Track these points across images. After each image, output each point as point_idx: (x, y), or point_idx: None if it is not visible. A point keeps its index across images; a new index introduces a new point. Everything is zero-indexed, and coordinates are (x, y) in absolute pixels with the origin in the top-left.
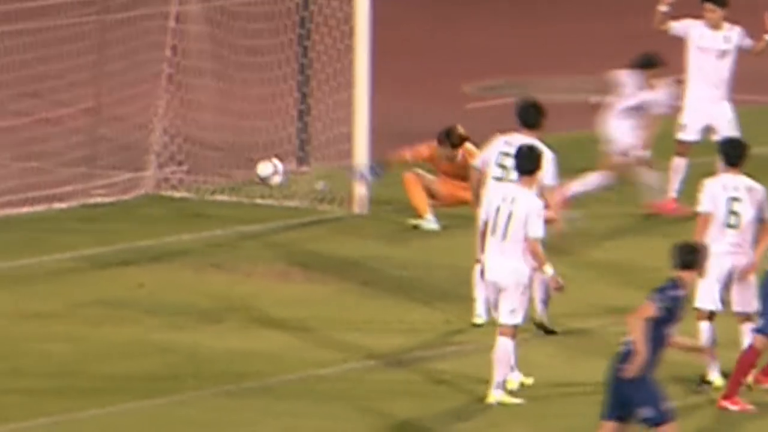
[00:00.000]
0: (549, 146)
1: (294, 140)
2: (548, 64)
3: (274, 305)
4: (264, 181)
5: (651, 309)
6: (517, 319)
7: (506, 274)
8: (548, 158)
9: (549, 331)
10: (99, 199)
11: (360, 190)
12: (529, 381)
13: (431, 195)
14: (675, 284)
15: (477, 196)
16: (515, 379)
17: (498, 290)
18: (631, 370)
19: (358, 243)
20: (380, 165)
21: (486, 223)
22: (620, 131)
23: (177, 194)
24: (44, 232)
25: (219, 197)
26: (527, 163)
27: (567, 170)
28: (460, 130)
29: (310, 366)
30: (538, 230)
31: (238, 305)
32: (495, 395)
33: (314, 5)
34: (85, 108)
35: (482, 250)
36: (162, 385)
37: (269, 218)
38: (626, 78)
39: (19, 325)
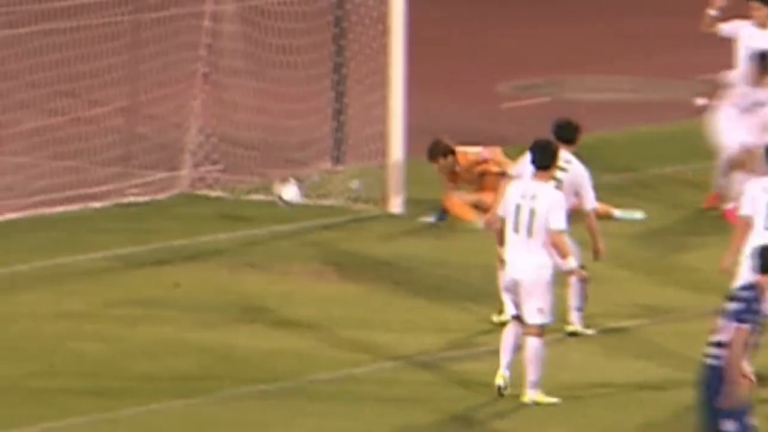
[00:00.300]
0: (578, 155)
1: (329, 139)
2: (583, 64)
3: (308, 305)
4: (284, 199)
5: (745, 333)
6: (546, 318)
7: (531, 271)
8: (585, 176)
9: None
10: (134, 199)
11: (394, 190)
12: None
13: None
14: (754, 293)
15: None
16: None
17: (521, 289)
18: (728, 401)
19: (392, 242)
20: (443, 212)
21: (503, 221)
22: (732, 132)
23: (212, 193)
24: (79, 232)
25: (254, 197)
26: (544, 157)
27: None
28: (445, 140)
29: (344, 365)
30: (560, 223)
31: (272, 305)
32: (530, 395)
33: (349, 4)
34: (121, 107)
35: (501, 244)
36: (196, 384)
37: (304, 218)
38: (737, 78)
39: (54, 324)
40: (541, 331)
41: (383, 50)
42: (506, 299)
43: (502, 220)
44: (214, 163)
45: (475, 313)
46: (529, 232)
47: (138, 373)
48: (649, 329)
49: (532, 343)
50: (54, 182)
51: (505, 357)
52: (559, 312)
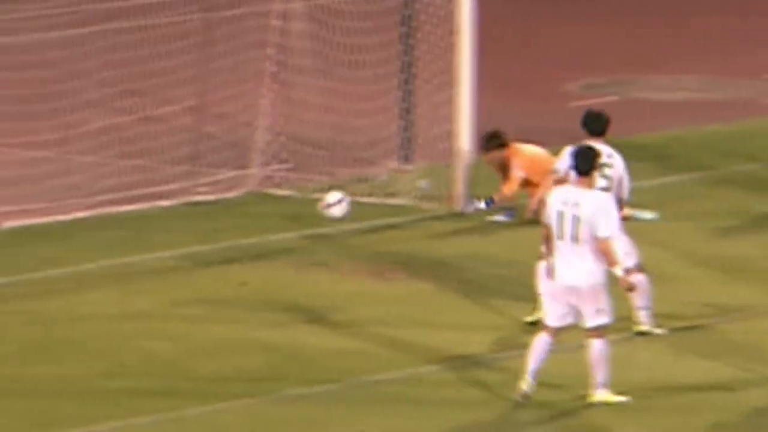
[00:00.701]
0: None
1: (396, 138)
2: (650, 63)
3: (374, 304)
4: (327, 208)
5: None
6: (605, 318)
7: (583, 277)
8: (625, 168)
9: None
10: (202, 197)
11: (462, 189)
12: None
13: None
14: None
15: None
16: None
17: (575, 295)
18: None
19: (459, 241)
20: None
21: (550, 228)
22: None
23: (280, 192)
24: (147, 230)
25: (322, 195)
26: (585, 163)
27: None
28: (501, 132)
29: (409, 365)
30: (607, 229)
31: (339, 304)
32: (598, 395)
33: (417, 3)
34: (189, 106)
35: (549, 254)
36: (263, 383)
37: (372, 216)
38: None
39: (123, 323)
40: (602, 332)
41: (451, 49)
42: (550, 306)
43: (548, 227)
44: (283, 161)
45: (539, 312)
46: (575, 238)
47: (205, 372)
48: (718, 328)
49: (596, 345)
50: (122, 181)
51: (532, 364)
52: (627, 310)
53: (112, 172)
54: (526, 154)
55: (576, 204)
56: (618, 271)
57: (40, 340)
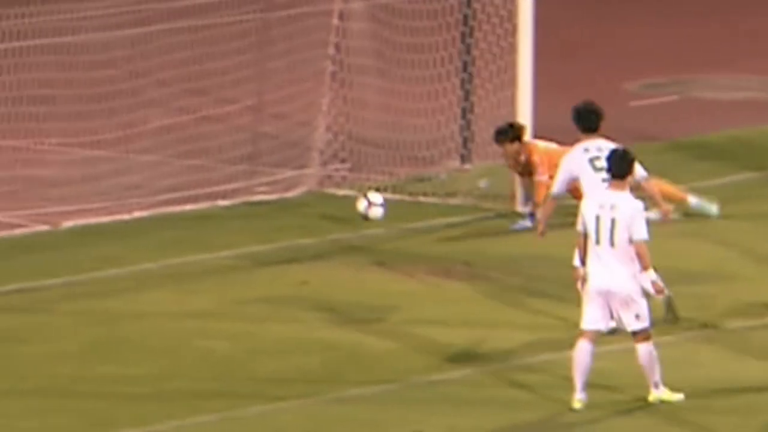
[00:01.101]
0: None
1: (457, 138)
2: (710, 62)
3: (435, 303)
4: (365, 214)
5: None
6: (645, 323)
7: (622, 281)
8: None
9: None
10: (262, 197)
11: (522, 188)
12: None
13: None
14: None
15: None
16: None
17: (614, 299)
18: None
19: (520, 240)
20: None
21: (585, 235)
22: None
23: (340, 192)
24: (206, 230)
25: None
26: (621, 167)
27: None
28: (518, 125)
29: (470, 364)
30: (643, 232)
31: (399, 303)
32: (655, 393)
33: (477, 3)
34: (248, 105)
35: (583, 262)
36: (323, 383)
37: (432, 216)
38: None
39: (182, 322)
40: (647, 334)
41: (511, 49)
42: (586, 310)
43: (581, 234)
44: (342, 161)
45: None
46: (612, 242)
47: (264, 371)
48: None
49: (644, 349)
50: (181, 180)
51: (580, 378)
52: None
53: (171, 172)
54: (542, 149)
55: (613, 207)
56: (651, 275)
57: (101, 339)
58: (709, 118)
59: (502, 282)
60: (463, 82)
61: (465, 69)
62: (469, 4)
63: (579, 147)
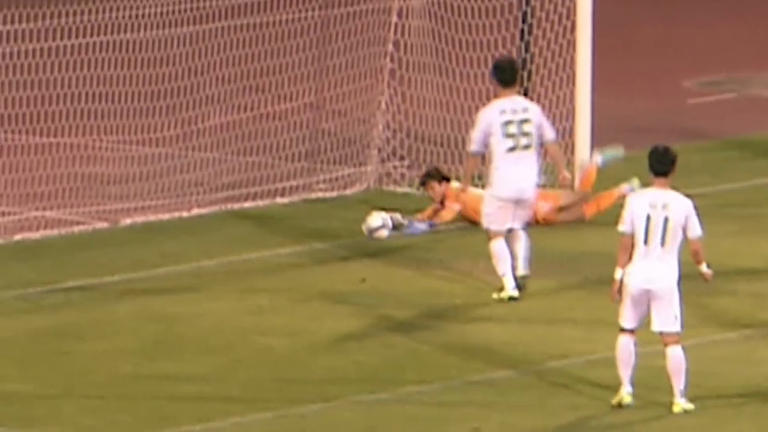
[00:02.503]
0: None
1: None
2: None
3: (493, 301)
4: (371, 233)
5: None
6: (679, 325)
7: (666, 280)
8: (538, 110)
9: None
10: (321, 194)
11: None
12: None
13: None
14: None
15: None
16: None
17: (656, 299)
18: None
19: (579, 238)
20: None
21: (629, 236)
22: None
23: (399, 189)
24: (266, 227)
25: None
26: (664, 163)
27: None
28: (442, 169)
29: (532, 361)
30: (699, 229)
31: (459, 301)
32: (682, 403)
33: (536, 0)
34: (308, 102)
35: (623, 264)
36: (383, 380)
37: None
38: None
39: (241, 320)
40: (679, 338)
41: (569, 46)
42: (627, 309)
43: (629, 236)
44: (401, 158)
45: None
46: (663, 242)
47: (325, 368)
48: None
49: (677, 352)
50: (240, 178)
51: (625, 372)
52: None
53: (230, 169)
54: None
55: (665, 206)
56: (704, 268)
57: (160, 336)
58: (766, 116)
59: (561, 279)
60: (521, 79)
61: (523, 66)
62: (527, 1)
63: (496, 105)
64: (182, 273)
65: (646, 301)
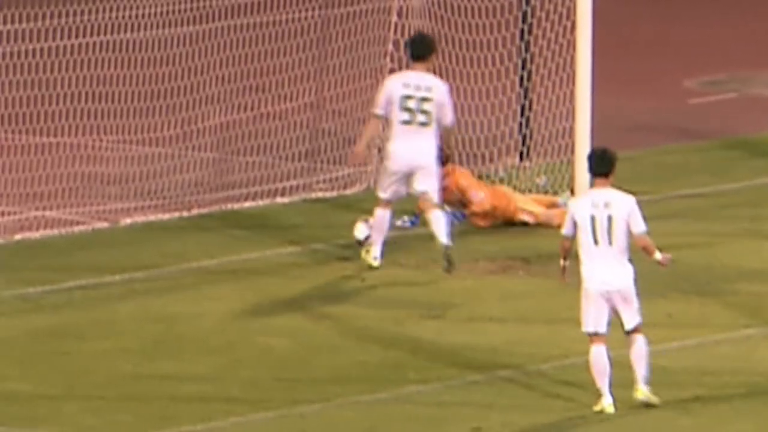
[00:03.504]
0: None
1: (516, 135)
2: None
3: (494, 300)
4: (361, 244)
5: None
6: (639, 316)
7: (624, 278)
8: (444, 90)
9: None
10: (321, 194)
11: (581, 186)
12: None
13: None
14: None
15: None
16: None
17: (616, 298)
18: None
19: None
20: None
21: (572, 239)
22: None
23: None
24: (266, 227)
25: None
26: (603, 164)
27: None
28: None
29: (533, 360)
30: (643, 224)
31: (459, 300)
32: (644, 390)
33: (536, 0)
34: (308, 102)
35: (565, 264)
36: (383, 379)
37: None
38: None
39: (242, 319)
40: (641, 329)
41: (570, 46)
42: (586, 312)
43: (570, 239)
44: None
45: (663, 308)
46: (610, 241)
47: (325, 367)
48: None
49: (640, 340)
50: (241, 177)
51: (603, 381)
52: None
53: (231, 169)
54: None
55: (607, 204)
56: (658, 256)
57: (161, 336)
58: (767, 116)
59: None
60: (521, 79)
61: (524, 66)
62: (527, 1)
63: (402, 76)
64: (182, 273)
65: (608, 302)
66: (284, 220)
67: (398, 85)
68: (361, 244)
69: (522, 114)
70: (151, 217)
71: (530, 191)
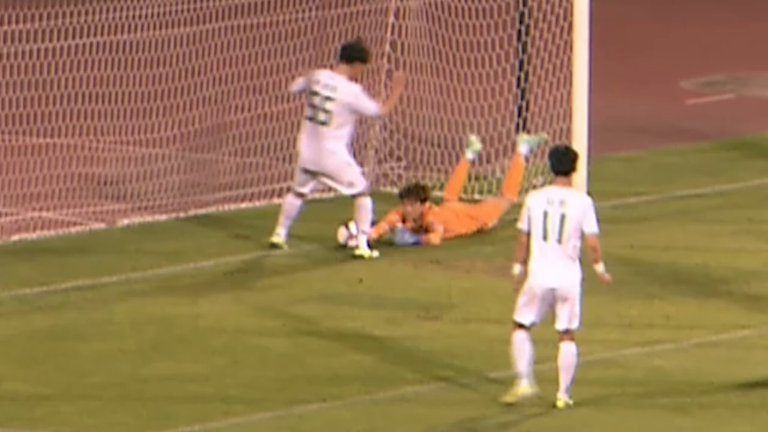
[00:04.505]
0: None
1: (513, 136)
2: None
3: (492, 301)
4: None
5: None
6: (577, 322)
7: (568, 279)
8: (352, 92)
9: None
10: (318, 195)
11: (578, 186)
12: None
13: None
14: None
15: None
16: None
17: (557, 296)
18: None
19: None
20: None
21: (527, 233)
22: None
23: (396, 190)
24: (264, 228)
25: (438, 193)
26: (563, 163)
27: None
28: (427, 187)
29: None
30: (595, 226)
31: (456, 301)
32: (566, 399)
33: (533, 0)
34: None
35: (519, 259)
36: (380, 380)
37: None
38: None
39: (239, 321)
40: (574, 335)
41: (567, 47)
42: (524, 306)
43: (525, 233)
44: (398, 159)
45: (661, 309)
46: (560, 239)
47: (321, 369)
48: None
49: (571, 349)
50: (238, 178)
51: (522, 364)
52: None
53: (228, 170)
54: (438, 211)
55: (562, 203)
56: (601, 268)
57: (159, 337)
58: (765, 117)
59: None
60: (519, 80)
61: (521, 67)
62: (525, 2)
63: (319, 73)
64: (180, 274)
65: (550, 299)
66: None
67: (311, 80)
68: (346, 247)
69: (519, 115)
70: (148, 218)
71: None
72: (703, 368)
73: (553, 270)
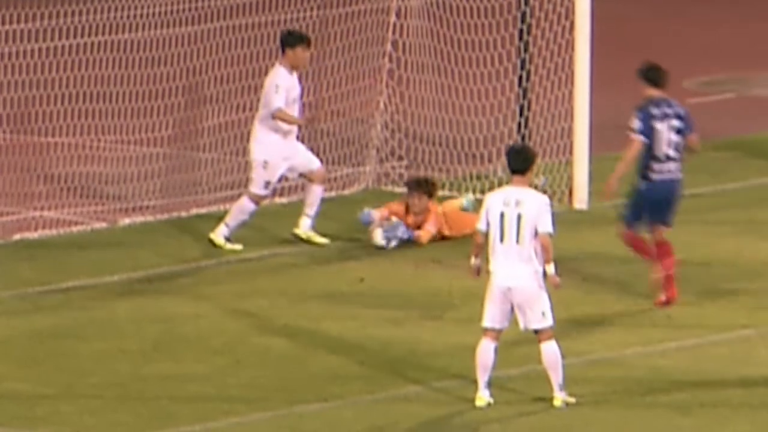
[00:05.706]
0: None
1: (514, 135)
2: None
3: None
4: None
5: None
6: (551, 320)
7: (527, 278)
8: (269, 83)
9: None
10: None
11: (580, 186)
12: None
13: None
14: None
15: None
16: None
17: (518, 298)
18: None
19: (578, 238)
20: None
21: (485, 234)
22: None
23: (397, 189)
24: (265, 227)
25: (439, 192)
26: (518, 161)
27: None
28: (437, 183)
29: (532, 361)
30: (549, 225)
31: (457, 300)
32: (561, 397)
33: (535, 0)
34: (306, 102)
35: (476, 254)
36: (382, 379)
37: None
38: None
39: (240, 320)
40: (551, 333)
41: (568, 46)
42: (489, 308)
43: (483, 234)
44: (399, 158)
45: (662, 309)
46: (518, 239)
47: (323, 368)
48: None
49: (550, 348)
50: (240, 178)
51: (483, 376)
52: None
53: (230, 169)
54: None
55: (518, 203)
56: (551, 270)
57: (160, 336)
58: (765, 117)
59: (560, 279)
60: (520, 79)
61: (522, 66)
62: (526, 1)
63: (275, 70)
64: (182, 273)
65: (509, 299)
66: (283, 220)
67: (269, 78)
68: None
69: (521, 114)
70: (150, 218)
71: None
72: (704, 368)
73: (509, 270)
